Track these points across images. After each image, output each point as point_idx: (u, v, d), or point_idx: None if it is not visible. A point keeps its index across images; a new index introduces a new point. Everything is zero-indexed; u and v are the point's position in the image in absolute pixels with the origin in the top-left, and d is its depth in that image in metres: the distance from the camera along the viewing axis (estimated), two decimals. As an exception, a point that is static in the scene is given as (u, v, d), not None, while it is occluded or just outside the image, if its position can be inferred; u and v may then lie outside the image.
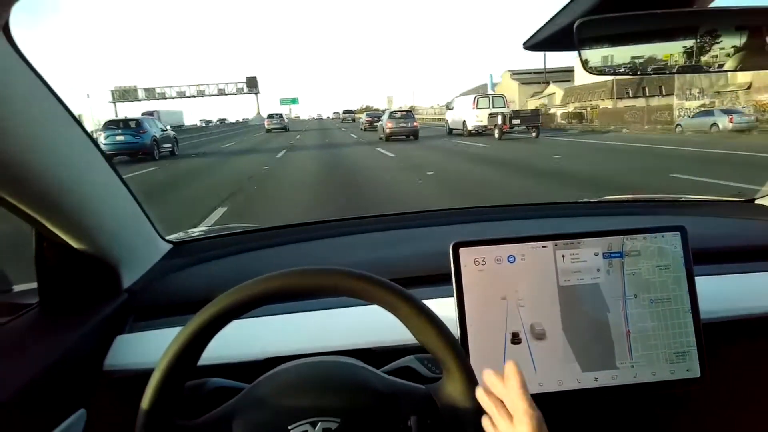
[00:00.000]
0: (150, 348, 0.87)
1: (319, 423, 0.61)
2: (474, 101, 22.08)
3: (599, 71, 0.87)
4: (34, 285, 0.92)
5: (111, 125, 16.73)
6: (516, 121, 19.37)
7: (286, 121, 41.17)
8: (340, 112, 77.87)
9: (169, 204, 8.56)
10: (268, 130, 37.14)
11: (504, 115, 19.31)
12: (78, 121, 0.82)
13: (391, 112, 23.10)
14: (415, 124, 21.86)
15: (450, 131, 24.23)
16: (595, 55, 0.85)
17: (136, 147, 16.46)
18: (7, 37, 0.64)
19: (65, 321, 0.87)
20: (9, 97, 0.65)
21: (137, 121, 16.94)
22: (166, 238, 1.22)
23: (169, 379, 0.60)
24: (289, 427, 0.61)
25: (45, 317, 0.89)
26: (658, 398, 1.04)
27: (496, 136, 19.32)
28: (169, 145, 18.51)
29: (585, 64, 0.84)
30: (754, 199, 1.47)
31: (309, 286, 0.62)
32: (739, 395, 1.12)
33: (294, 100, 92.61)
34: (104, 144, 15.52)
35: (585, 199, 1.79)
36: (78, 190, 0.82)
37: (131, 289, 1.00)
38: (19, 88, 0.67)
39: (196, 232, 1.39)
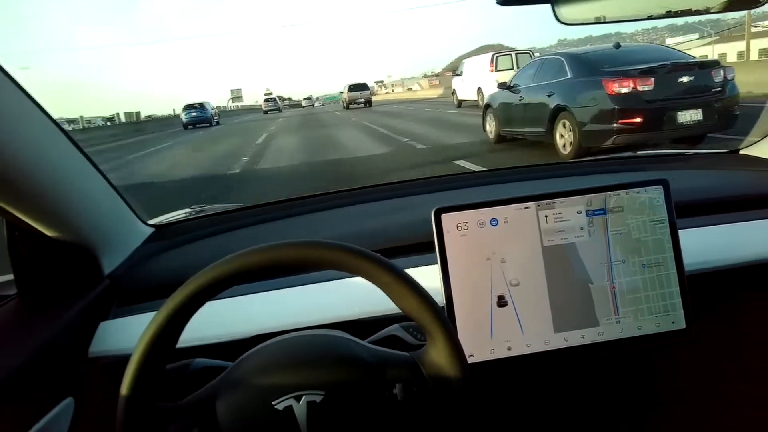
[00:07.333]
0: (134, 333, 0.83)
1: (303, 397, 0.60)
2: (492, 61, 17.26)
3: (575, 22, 0.85)
4: (10, 276, 0.90)
5: (188, 107, 31.27)
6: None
7: (279, 103, 54.27)
8: (313, 96, 60.95)
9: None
10: (265, 112, 47.51)
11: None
12: (43, 109, 0.79)
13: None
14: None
15: (459, 103, 20.00)
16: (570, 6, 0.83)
17: (203, 119, 30.55)
18: None
19: (45, 310, 0.85)
20: None
21: (201, 104, 31.59)
22: (148, 222, 1.21)
23: (147, 363, 0.59)
24: (273, 403, 0.60)
25: (24, 308, 0.88)
26: (645, 355, 1.03)
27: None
28: (217, 118, 32.97)
29: (558, 16, 0.81)
30: (738, 150, 1.44)
31: (287, 260, 0.61)
32: (726, 347, 1.10)
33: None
34: (185, 118, 30.39)
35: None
36: (46, 177, 0.80)
37: (113, 275, 0.99)
38: None
39: (178, 214, 1.38)
